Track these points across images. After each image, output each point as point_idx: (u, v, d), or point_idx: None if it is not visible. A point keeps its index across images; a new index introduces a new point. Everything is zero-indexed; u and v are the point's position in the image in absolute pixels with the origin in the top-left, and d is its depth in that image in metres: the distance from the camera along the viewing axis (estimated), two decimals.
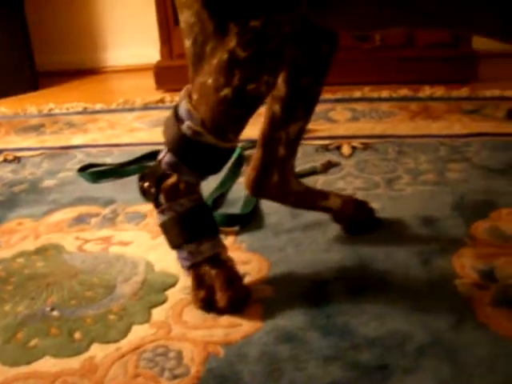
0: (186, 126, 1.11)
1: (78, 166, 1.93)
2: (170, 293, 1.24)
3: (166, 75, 2.83)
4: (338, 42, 1.27)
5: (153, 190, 1.18)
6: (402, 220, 1.44)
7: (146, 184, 1.20)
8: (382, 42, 2.73)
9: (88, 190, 1.79)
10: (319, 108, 2.22)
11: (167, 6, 2.74)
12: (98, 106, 2.63)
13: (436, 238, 1.36)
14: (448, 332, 1.07)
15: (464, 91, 2.51)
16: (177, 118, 1.13)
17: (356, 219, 1.41)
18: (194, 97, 1.11)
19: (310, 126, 2.03)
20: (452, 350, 1.03)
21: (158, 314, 1.18)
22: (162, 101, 2.65)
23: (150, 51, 3.05)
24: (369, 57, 2.76)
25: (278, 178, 1.31)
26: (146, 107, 2.57)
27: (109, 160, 2.01)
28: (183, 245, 1.15)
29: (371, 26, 1.16)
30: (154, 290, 1.24)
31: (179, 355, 1.06)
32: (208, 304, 1.15)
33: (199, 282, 1.16)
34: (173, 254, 1.22)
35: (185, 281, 1.25)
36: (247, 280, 1.25)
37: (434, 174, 1.70)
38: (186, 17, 1.09)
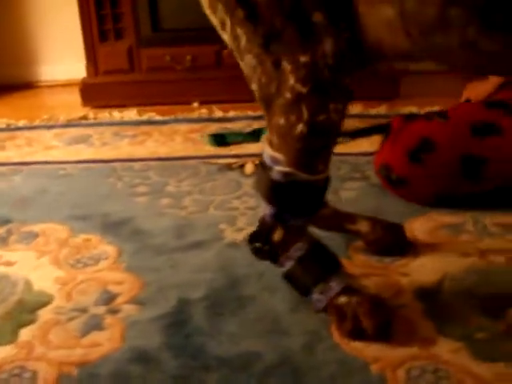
0: (276, 171, 1.12)
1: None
2: (41, 312, 1.26)
3: (92, 92, 2.84)
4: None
5: (266, 248, 1.19)
6: None
7: (258, 244, 1.21)
8: None
9: None
10: (233, 125, 2.25)
11: (92, 23, 2.76)
12: (21, 123, 2.63)
13: None
14: (299, 353, 1.10)
15: (382, 108, 2.54)
16: (264, 168, 1.15)
17: (385, 242, 1.41)
18: (274, 141, 1.12)
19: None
20: (299, 371, 1.07)
21: (25, 333, 1.20)
22: (84, 117, 2.66)
23: (81, 67, 3.05)
24: None
25: None
26: (68, 124, 2.57)
27: (17, 179, 2.00)
28: (313, 288, 1.15)
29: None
30: (27, 310, 1.26)
31: (34, 375, 1.08)
32: (357, 334, 1.12)
33: (342, 316, 1.13)
34: (53, 273, 1.23)
35: (59, 300, 1.27)
36: (119, 301, 1.26)
37: (328, 192, 1.71)
38: (247, 61, 1.09)
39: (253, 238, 1.21)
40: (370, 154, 1.94)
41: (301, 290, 1.18)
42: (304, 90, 1.03)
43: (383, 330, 1.12)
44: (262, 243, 1.18)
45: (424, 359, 1.08)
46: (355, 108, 2.50)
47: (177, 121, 2.47)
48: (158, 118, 2.54)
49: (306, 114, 1.04)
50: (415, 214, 1.57)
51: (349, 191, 1.73)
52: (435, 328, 1.15)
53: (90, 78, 2.84)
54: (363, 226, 1.41)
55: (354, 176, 1.83)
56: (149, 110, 2.67)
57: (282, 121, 1.06)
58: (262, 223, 1.18)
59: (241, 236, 1.50)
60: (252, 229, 1.43)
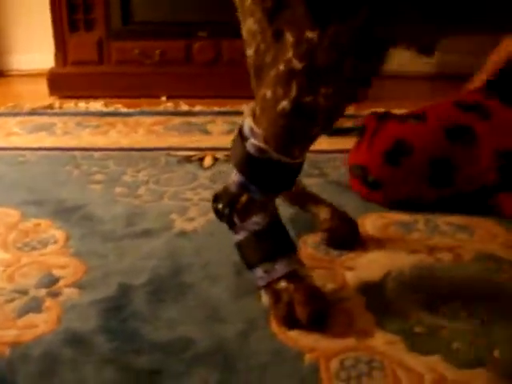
0: (250, 143, 1.09)
1: None
2: None
3: (60, 82, 2.82)
4: (386, 57, 1.22)
5: (226, 211, 1.17)
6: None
7: (220, 205, 1.19)
8: None
9: None
10: (198, 120, 2.25)
11: (62, 13, 2.74)
12: None
13: None
14: (234, 341, 1.10)
15: (350, 109, 2.54)
16: (242, 137, 1.12)
17: (338, 233, 1.41)
18: (257, 112, 1.09)
19: (183, 137, 2.07)
20: (231, 358, 1.06)
21: None
22: (50, 107, 2.64)
23: (52, 57, 3.03)
24: None
25: None
26: (32, 112, 2.55)
27: None
28: (258, 264, 1.14)
29: (432, 36, 1.13)
30: None
31: None
32: (290, 321, 1.11)
33: (277, 300, 1.12)
34: None
35: (0, 281, 1.25)
36: (60, 284, 1.25)
37: None
38: (248, 25, 1.05)
39: (216, 198, 1.19)
40: (329, 152, 1.94)
41: (247, 262, 1.16)
42: (299, 65, 1.00)
43: (316, 320, 1.11)
44: (223, 206, 1.16)
45: (359, 350, 1.07)
46: None
47: (142, 113, 2.47)
48: (124, 109, 2.52)
49: (293, 91, 1.01)
50: (369, 211, 1.56)
51: (307, 187, 1.72)
52: (375, 321, 1.15)
53: (58, 68, 2.82)
54: (323, 212, 1.41)
55: (312, 173, 1.83)
56: (116, 102, 2.65)
57: (268, 93, 1.04)
58: (229, 187, 1.16)
59: (191, 226, 1.50)
60: (204, 219, 1.44)
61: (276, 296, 1.13)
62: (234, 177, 1.14)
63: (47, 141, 2.17)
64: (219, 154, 1.99)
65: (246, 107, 1.13)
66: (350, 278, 1.28)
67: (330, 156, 1.96)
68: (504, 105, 1.63)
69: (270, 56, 1.03)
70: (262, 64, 1.05)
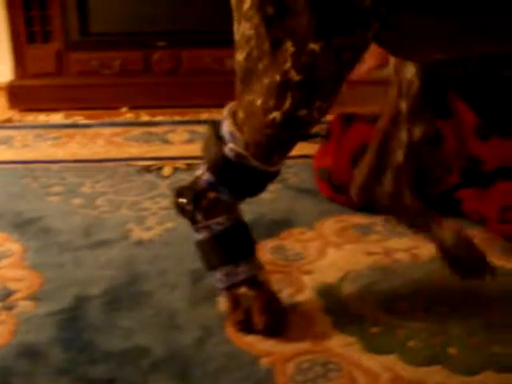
0: (229, 148, 1.05)
1: None
2: None
3: (19, 95, 2.80)
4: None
5: (190, 207, 1.13)
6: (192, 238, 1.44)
7: (183, 200, 1.14)
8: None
9: None
10: (159, 130, 2.24)
11: (19, 25, 2.72)
12: None
13: None
14: (189, 347, 1.10)
15: None
16: (218, 138, 1.08)
17: (463, 262, 1.25)
18: (240, 115, 1.05)
19: (143, 147, 2.06)
20: (187, 365, 1.06)
21: None
22: (9, 120, 2.61)
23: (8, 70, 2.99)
24: (221, 80, 2.77)
25: (392, 189, 1.23)
26: None
27: None
28: (219, 266, 1.11)
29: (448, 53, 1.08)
30: None
31: None
32: (246, 326, 1.11)
33: (235, 304, 1.12)
34: None
35: None
36: (15, 297, 1.24)
37: None
38: (243, 29, 1.00)
39: (179, 193, 1.14)
40: (291, 157, 1.93)
41: (207, 264, 1.14)
42: (297, 77, 0.95)
43: (273, 329, 1.11)
44: (187, 201, 1.13)
45: (316, 353, 1.07)
46: None
47: (102, 125, 2.45)
48: (83, 121, 2.51)
49: (287, 104, 0.97)
50: (327, 215, 1.57)
51: (265, 193, 1.72)
52: (332, 323, 1.16)
53: (17, 81, 2.79)
54: (447, 237, 1.26)
55: None
56: (77, 114, 2.63)
57: (258, 101, 0.99)
58: (195, 182, 1.12)
59: (148, 235, 1.49)
60: (161, 228, 1.43)
61: (235, 301, 1.12)
62: (202, 173, 1.10)
63: (5, 154, 2.15)
64: (179, 164, 1.98)
65: (225, 108, 1.10)
66: (308, 281, 1.28)
67: (290, 162, 1.95)
68: (465, 105, 1.64)
69: (262, 64, 0.98)
70: (253, 70, 1.00)
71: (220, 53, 2.53)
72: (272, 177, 1.11)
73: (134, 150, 2.12)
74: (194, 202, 1.11)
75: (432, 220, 1.26)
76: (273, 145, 1.03)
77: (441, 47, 1.04)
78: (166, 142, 2.25)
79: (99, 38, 2.70)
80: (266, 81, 0.98)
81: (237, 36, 1.02)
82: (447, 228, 1.25)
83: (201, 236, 1.13)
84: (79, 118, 2.55)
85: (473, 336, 1.10)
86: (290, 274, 1.31)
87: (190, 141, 2.23)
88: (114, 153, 2.12)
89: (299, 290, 1.25)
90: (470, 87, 1.69)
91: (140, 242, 1.46)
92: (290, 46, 0.95)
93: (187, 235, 1.41)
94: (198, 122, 2.40)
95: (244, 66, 1.01)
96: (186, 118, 2.51)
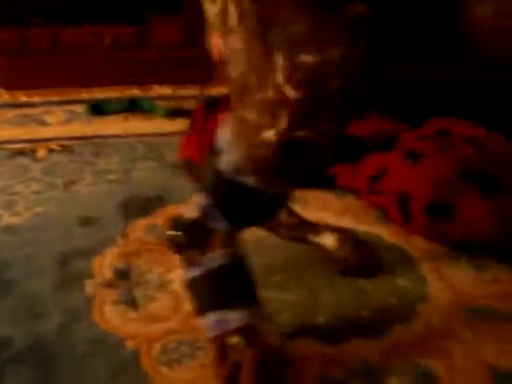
0: (226, 160, 0.94)
1: None
2: None
3: None
4: None
5: (182, 241, 1.01)
6: (62, 222, 1.41)
7: (175, 233, 1.02)
8: (115, 43, 2.70)
9: None
10: (35, 111, 2.17)
11: None
12: None
13: (89, 238, 1.34)
14: (55, 335, 1.07)
15: (193, 91, 2.51)
16: (214, 152, 0.96)
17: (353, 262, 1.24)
18: (235, 129, 0.92)
19: (17, 129, 1.99)
20: (53, 352, 1.04)
21: None
22: None
23: None
24: (101, 58, 2.72)
25: None
26: None
27: None
28: (210, 310, 0.97)
29: None
30: None
31: None
32: (232, 382, 0.93)
33: (223, 356, 0.95)
34: None
35: None
36: None
37: (120, 173, 1.68)
38: (230, 42, 0.89)
39: (171, 224, 1.05)
40: (169, 134, 1.92)
41: (198, 305, 1.01)
42: (293, 94, 0.82)
43: None
44: (180, 235, 1.02)
45: (183, 333, 1.06)
46: (166, 90, 2.46)
47: None
48: None
49: (283, 123, 0.84)
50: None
51: (141, 171, 1.70)
52: None
53: None
54: (328, 240, 1.28)
55: (148, 156, 1.80)
56: None
57: (252, 117, 0.87)
58: (189, 212, 1.02)
59: (16, 220, 1.44)
60: (30, 213, 1.39)
61: (223, 353, 0.96)
62: (197, 199, 1.00)
63: None
64: (54, 145, 1.92)
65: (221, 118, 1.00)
66: (179, 260, 1.26)
67: (169, 139, 1.93)
68: None
69: (254, 78, 0.86)
70: (246, 85, 0.87)
71: (99, 29, 2.46)
72: (273, 201, 0.99)
73: (6, 133, 2.04)
74: (187, 234, 1.01)
75: (309, 230, 1.28)
76: (270, 165, 0.90)
77: None
78: (42, 123, 2.18)
79: None
80: (259, 96, 0.86)
81: (226, 51, 0.92)
82: (326, 234, 1.26)
83: (192, 273, 1.01)
84: None
85: None
86: (161, 252, 1.28)
87: (67, 121, 2.17)
88: None
89: (170, 269, 1.24)
90: None
91: (8, 228, 1.41)
92: (280, 60, 0.82)
93: (56, 219, 1.38)
94: (77, 102, 2.33)
95: (238, 82, 0.90)
96: (64, 97, 2.43)
